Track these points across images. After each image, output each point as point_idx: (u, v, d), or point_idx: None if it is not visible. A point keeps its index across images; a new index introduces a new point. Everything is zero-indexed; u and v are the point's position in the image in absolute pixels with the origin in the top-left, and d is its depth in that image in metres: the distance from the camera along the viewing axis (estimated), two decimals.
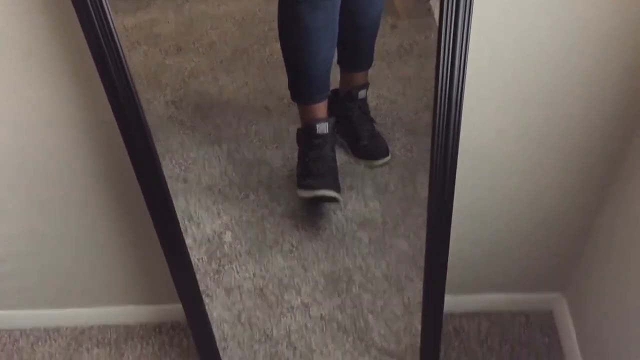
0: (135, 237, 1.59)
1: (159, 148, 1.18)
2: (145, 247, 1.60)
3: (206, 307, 1.49)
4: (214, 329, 1.55)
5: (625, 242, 1.41)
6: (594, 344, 1.57)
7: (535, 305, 1.84)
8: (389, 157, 1.51)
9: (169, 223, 1.27)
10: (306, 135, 1.44)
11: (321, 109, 1.42)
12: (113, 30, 1.01)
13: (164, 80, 1.41)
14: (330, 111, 1.43)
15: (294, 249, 1.55)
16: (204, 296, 1.47)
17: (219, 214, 1.50)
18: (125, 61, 1.04)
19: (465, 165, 1.23)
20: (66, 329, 1.87)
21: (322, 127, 1.43)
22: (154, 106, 1.40)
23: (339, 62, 1.40)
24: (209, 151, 1.47)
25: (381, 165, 1.51)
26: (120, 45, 1.03)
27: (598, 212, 1.52)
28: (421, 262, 1.50)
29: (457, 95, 1.08)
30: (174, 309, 1.75)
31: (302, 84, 1.40)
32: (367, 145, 1.52)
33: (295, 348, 1.62)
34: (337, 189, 1.49)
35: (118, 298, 1.79)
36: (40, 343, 1.85)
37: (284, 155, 1.49)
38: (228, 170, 1.48)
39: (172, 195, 1.25)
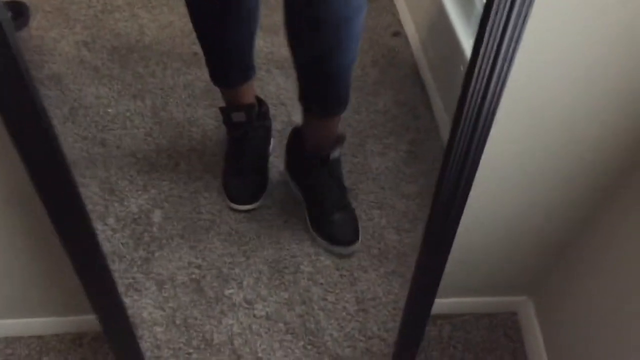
0: (41, 244, 1.38)
1: (70, 100, 1.02)
2: (52, 254, 1.40)
3: (135, 305, 1.30)
4: (145, 334, 1.36)
5: (600, 253, 1.32)
6: (561, 349, 1.49)
7: (500, 308, 1.73)
8: (358, 243, 1.33)
9: (71, 220, 0.94)
10: (225, 122, 1.27)
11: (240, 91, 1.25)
12: None
13: (73, 15, 1.23)
14: (293, 175, 1.27)
15: (233, 231, 1.37)
16: (131, 290, 1.28)
17: (145, 186, 1.32)
18: None
19: None
20: None
21: (238, 116, 1.24)
22: (62, 46, 1.22)
23: (301, 100, 1.17)
24: (131, 107, 1.30)
25: (348, 255, 1.35)
26: None
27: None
28: (374, 250, 1.37)
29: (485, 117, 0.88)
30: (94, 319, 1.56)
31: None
32: (334, 224, 1.30)
33: (239, 356, 1.43)
34: (257, 196, 1.37)
35: (29, 310, 1.56)
36: None
37: (217, 114, 1.32)
38: (154, 131, 1.31)
39: (90, 163, 1.08)
